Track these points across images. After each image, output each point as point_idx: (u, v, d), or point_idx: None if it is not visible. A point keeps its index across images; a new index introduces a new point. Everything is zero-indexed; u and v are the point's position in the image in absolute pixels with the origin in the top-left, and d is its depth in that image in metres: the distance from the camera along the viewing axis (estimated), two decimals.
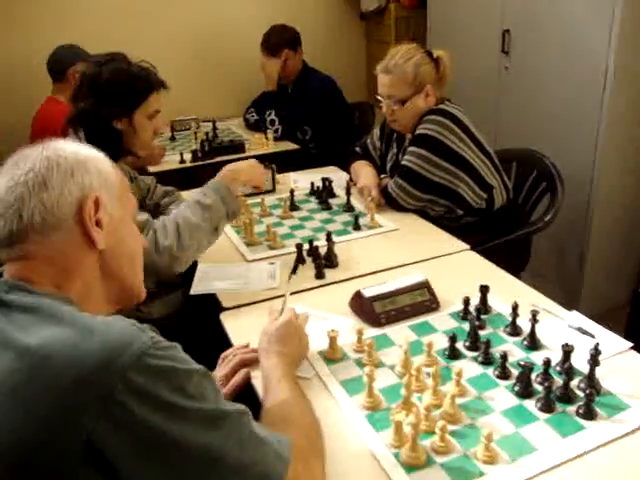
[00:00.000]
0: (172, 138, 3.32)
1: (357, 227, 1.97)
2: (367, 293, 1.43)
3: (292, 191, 2.22)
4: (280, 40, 3.22)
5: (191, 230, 1.60)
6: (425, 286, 1.46)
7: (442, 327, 1.38)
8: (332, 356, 1.28)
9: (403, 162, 2.06)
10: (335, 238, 1.86)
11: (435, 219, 2.08)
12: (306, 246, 1.76)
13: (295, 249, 1.73)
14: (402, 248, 1.81)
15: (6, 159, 0.88)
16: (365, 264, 1.72)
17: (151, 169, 2.73)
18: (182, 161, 2.89)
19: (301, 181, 2.45)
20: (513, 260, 2.19)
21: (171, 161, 2.91)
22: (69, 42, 2.92)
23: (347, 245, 1.86)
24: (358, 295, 1.44)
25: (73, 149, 0.89)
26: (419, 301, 1.44)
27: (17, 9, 3.25)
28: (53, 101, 2.86)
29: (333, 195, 2.27)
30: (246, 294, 1.58)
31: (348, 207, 2.14)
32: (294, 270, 1.64)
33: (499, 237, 2.07)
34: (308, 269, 1.68)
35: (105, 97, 1.65)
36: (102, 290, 0.90)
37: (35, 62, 2.95)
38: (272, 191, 2.34)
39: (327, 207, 2.15)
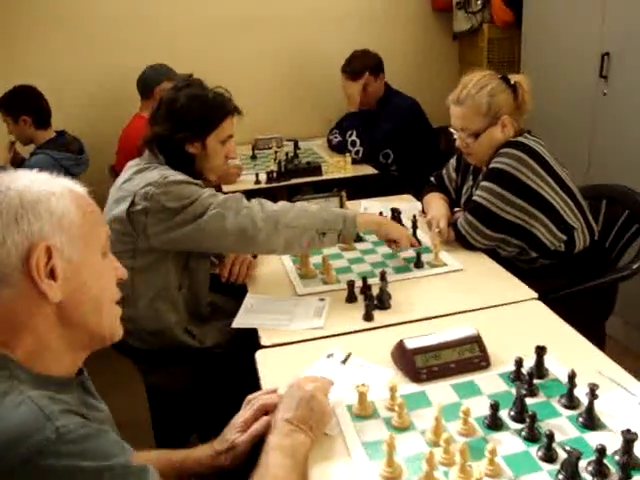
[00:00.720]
0: (253, 157, 3.32)
1: (419, 264, 1.85)
2: (410, 344, 1.32)
3: None
4: (361, 65, 3.19)
5: (302, 212, 1.67)
6: (476, 341, 1.33)
7: (488, 389, 1.25)
8: (360, 412, 1.19)
9: (474, 197, 1.92)
10: (394, 275, 1.78)
11: (507, 259, 1.93)
12: (359, 283, 1.68)
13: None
14: (462, 292, 1.68)
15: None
16: (419, 308, 1.61)
17: (225, 189, 2.73)
18: (257, 182, 2.87)
19: (371, 209, 2.36)
20: (594, 308, 1.99)
21: (247, 181, 2.89)
22: (160, 62, 3.03)
23: (405, 284, 1.75)
24: (400, 345, 1.34)
25: (20, 188, 0.78)
26: (467, 357, 1.31)
27: (114, 31, 3.41)
28: (139, 117, 2.97)
29: None
30: (287, 332, 1.51)
31: None
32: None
33: (578, 283, 1.88)
34: (357, 309, 1.60)
35: (179, 122, 1.71)
36: (62, 340, 0.81)
37: (128, 80, 3.09)
38: None
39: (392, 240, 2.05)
